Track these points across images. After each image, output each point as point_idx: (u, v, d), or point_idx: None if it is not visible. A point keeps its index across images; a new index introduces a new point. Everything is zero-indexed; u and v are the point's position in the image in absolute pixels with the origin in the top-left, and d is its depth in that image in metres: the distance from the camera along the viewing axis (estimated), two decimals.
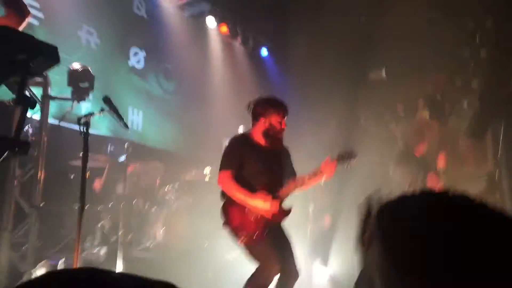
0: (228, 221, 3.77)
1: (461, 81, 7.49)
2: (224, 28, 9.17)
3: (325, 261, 6.77)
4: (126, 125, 3.56)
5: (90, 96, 5.07)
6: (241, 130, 5.95)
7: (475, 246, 0.74)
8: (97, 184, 6.53)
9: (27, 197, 4.86)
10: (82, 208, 3.36)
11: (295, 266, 3.77)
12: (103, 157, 6.45)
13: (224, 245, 5.75)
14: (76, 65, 4.89)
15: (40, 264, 4.75)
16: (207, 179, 7.00)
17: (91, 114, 3.39)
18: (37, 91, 4.99)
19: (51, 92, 5.14)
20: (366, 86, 8.46)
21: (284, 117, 3.93)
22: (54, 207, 5.46)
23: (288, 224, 4.00)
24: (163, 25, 8.33)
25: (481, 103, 7.24)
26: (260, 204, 3.66)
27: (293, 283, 3.75)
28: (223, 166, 3.82)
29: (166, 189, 6.85)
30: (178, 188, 6.82)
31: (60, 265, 4.70)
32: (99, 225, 5.84)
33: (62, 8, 6.59)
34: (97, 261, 5.27)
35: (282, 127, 3.91)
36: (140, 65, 7.98)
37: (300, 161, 4.19)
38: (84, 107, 6.09)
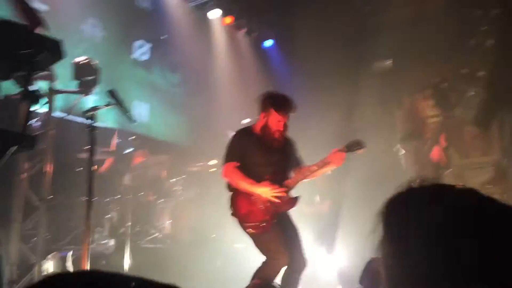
0: (236, 211, 3.80)
1: (467, 70, 7.44)
2: (229, 19, 9.14)
3: (330, 250, 6.79)
4: (132, 118, 3.58)
5: (96, 89, 5.09)
6: (246, 122, 5.95)
7: (481, 244, 0.75)
8: (104, 169, 6.61)
9: (35, 190, 4.91)
10: (90, 201, 3.39)
11: (303, 255, 3.80)
12: (109, 149, 6.50)
13: (231, 235, 5.79)
14: (81, 59, 4.91)
15: (49, 256, 4.82)
16: (213, 170, 7.02)
17: (97, 108, 3.41)
18: (43, 85, 5.02)
19: (57, 85, 5.17)
20: (371, 76, 8.43)
21: (284, 117, 3.86)
22: (62, 200, 5.51)
23: (293, 212, 4.02)
24: (167, 17, 8.31)
25: (487, 92, 7.20)
26: (265, 190, 3.68)
27: (301, 271, 3.78)
28: (226, 158, 3.86)
29: (173, 181, 6.89)
30: (185, 179, 6.86)
31: (69, 257, 4.75)
32: (107, 217, 5.88)
33: (66, 0, 6.60)
34: (106, 253, 5.33)
35: (279, 128, 3.86)
36: (144, 57, 7.99)
37: (304, 151, 4.19)
38: (90, 100, 6.12)
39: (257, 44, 9.84)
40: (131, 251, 5.25)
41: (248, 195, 3.74)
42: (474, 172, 7.36)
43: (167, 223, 6.27)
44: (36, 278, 4.59)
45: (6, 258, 4.02)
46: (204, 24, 8.96)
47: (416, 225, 0.80)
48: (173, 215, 6.33)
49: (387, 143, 7.72)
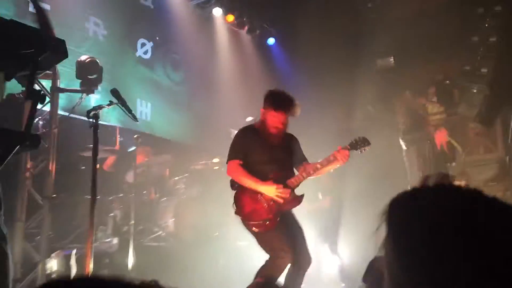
0: (240, 209, 3.79)
1: (470, 67, 7.42)
2: (231, 17, 9.13)
3: (333, 248, 6.79)
4: (135, 117, 3.59)
5: (99, 87, 5.10)
6: (249, 120, 5.96)
7: (483, 245, 0.75)
8: (107, 165, 6.63)
9: (39, 189, 4.93)
10: (93, 199, 3.40)
11: (307, 252, 3.80)
12: (112, 147, 6.52)
13: (234, 233, 5.79)
14: (84, 57, 4.92)
15: (53, 254, 4.83)
16: (216, 168, 7.03)
17: (100, 107, 3.42)
18: (47, 84, 5.04)
19: (60, 84, 5.18)
20: (374, 73, 8.42)
21: (281, 116, 3.83)
22: (66, 198, 5.53)
23: (296, 209, 4.01)
24: (170, 15, 8.31)
25: (490, 88, 7.18)
26: (269, 189, 3.68)
27: (306, 269, 3.77)
28: (230, 156, 3.87)
29: (176, 179, 6.90)
30: (187, 177, 6.87)
31: (73, 255, 4.77)
32: (110, 216, 5.90)
33: None
34: (110, 251, 5.34)
35: (275, 125, 3.83)
36: (147, 56, 7.99)
37: (306, 148, 4.19)
38: (94, 98, 6.13)
39: (259, 42, 9.83)
40: (135, 249, 5.26)
41: (253, 193, 3.74)
42: (477, 169, 7.35)
43: (170, 221, 6.28)
44: (39, 276, 4.61)
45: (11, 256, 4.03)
46: (206, 22, 8.96)
47: (419, 227, 0.80)
48: (176, 213, 6.34)
49: (389, 140, 7.71)
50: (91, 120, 3.37)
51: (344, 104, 8.46)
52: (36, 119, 5.07)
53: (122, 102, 3.50)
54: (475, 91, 7.52)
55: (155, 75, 8.10)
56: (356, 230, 6.58)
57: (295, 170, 4.02)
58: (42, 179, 4.97)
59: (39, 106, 2.37)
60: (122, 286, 0.74)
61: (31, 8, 6.04)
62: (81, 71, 4.87)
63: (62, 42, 2.08)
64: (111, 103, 3.51)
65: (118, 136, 6.82)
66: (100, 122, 3.53)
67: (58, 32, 2.49)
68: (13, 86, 3.00)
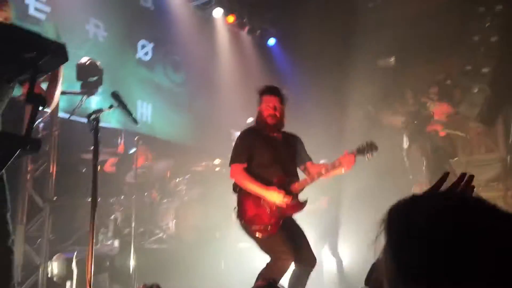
0: (242, 214, 3.75)
1: (471, 67, 7.41)
2: (231, 18, 9.14)
3: (333, 248, 6.78)
4: (135, 120, 3.57)
5: (100, 89, 5.09)
6: (250, 121, 5.95)
7: (482, 253, 0.74)
8: (108, 166, 6.62)
9: (40, 191, 4.92)
10: (94, 202, 3.39)
11: (311, 252, 3.77)
12: (113, 149, 6.51)
13: (236, 234, 5.78)
14: (85, 59, 4.90)
15: (54, 257, 4.83)
16: (217, 169, 7.02)
17: (100, 111, 3.41)
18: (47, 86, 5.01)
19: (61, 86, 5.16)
20: (374, 73, 8.41)
21: (272, 99, 3.85)
22: (67, 201, 5.52)
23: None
24: (170, 16, 8.31)
25: (491, 88, 7.18)
26: (273, 195, 3.66)
27: (310, 269, 3.74)
28: (234, 159, 3.83)
29: (177, 181, 6.90)
30: (188, 179, 6.86)
31: (74, 258, 4.76)
32: (112, 218, 5.89)
33: (68, 1, 6.60)
34: (111, 254, 5.33)
35: (269, 111, 3.83)
36: (147, 57, 7.99)
37: (307, 149, 4.18)
38: (94, 100, 6.12)
39: (260, 43, 9.83)
40: (136, 251, 5.25)
41: (256, 198, 3.71)
42: (478, 169, 7.33)
43: (171, 223, 6.27)
44: (40, 279, 4.60)
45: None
46: (207, 23, 8.96)
47: (419, 237, 0.79)
48: (177, 215, 6.33)
49: (389, 139, 7.70)
50: (91, 123, 3.35)
51: (344, 104, 8.46)
52: (37, 122, 5.06)
53: (122, 105, 3.49)
54: (476, 90, 7.50)
55: (155, 77, 8.10)
56: (357, 230, 6.58)
57: (299, 170, 4.00)
58: (43, 181, 4.96)
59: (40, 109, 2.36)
60: None
61: (31, 11, 6.05)
62: (81, 73, 4.86)
63: (63, 45, 2.07)
64: (111, 106, 3.50)
65: (122, 139, 6.80)
66: (100, 124, 3.52)
67: (58, 35, 2.48)
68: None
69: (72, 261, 4.77)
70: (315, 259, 3.77)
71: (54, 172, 4.96)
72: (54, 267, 4.78)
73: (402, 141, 7.67)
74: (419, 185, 6.96)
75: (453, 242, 0.75)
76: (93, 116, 3.35)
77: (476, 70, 7.36)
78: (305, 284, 3.75)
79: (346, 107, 8.47)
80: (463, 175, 0.94)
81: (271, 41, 10.03)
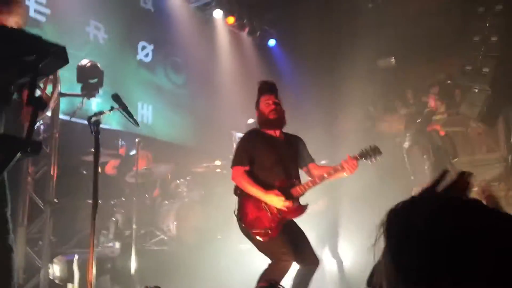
0: (243, 217, 3.74)
1: (471, 67, 7.40)
2: (231, 19, 9.14)
3: (334, 250, 6.76)
4: (136, 122, 3.57)
5: (100, 91, 5.09)
6: (250, 122, 5.95)
7: (482, 254, 0.74)
8: (109, 168, 6.62)
9: (41, 194, 4.92)
10: (95, 203, 3.39)
11: (313, 252, 3.75)
12: (114, 151, 6.51)
13: (237, 235, 5.77)
14: (85, 61, 4.90)
15: (56, 259, 4.82)
16: (218, 170, 7.02)
17: (101, 113, 3.41)
18: (47, 89, 5.01)
19: (61, 88, 5.16)
20: (375, 74, 8.41)
21: (270, 96, 3.91)
22: (68, 203, 5.52)
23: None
24: (170, 18, 8.31)
25: (492, 88, 7.17)
26: (274, 199, 3.65)
27: (314, 271, 3.73)
28: (235, 162, 3.83)
29: (178, 182, 6.89)
30: (189, 180, 6.86)
31: (75, 260, 4.76)
32: (112, 220, 5.89)
33: (68, 3, 6.60)
34: (112, 256, 5.33)
35: (270, 107, 3.86)
36: (148, 59, 8.00)
37: (309, 150, 4.17)
38: (95, 102, 6.12)
39: (260, 44, 9.84)
40: (137, 253, 5.25)
41: (257, 201, 3.70)
42: (479, 169, 7.34)
43: (172, 225, 6.27)
44: (42, 282, 4.60)
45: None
46: (207, 24, 8.97)
47: (418, 240, 0.79)
48: (178, 216, 6.32)
49: (389, 139, 7.70)
50: (92, 125, 3.36)
51: (345, 104, 8.46)
52: (38, 124, 5.06)
53: (123, 107, 3.49)
54: (476, 90, 7.50)
55: (156, 78, 8.10)
56: (359, 231, 6.57)
57: (301, 172, 3.99)
58: (44, 183, 4.96)
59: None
60: None
61: (31, 14, 6.06)
62: (81, 75, 4.86)
63: (63, 48, 2.07)
64: (112, 108, 3.50)
65: (123, 142, 6.80)
66: (101, 126, 3.53)
67: (58, 36, 2.48)
68: None
69: (73, 263, 4.77)
70: (318, 259, 3.76)
71: (55, 174, 4.96)
72: (55, 269, 4.77)
73: (403, 141, 7.68)
74: (421, 186, 6.95)
75: (452, 244, 0.75)
76: (93, 119, 3.35)
77: (476, 70, 7.35)
78: (308, 283, 3.73)
79: (346, 107, 8.47)
80: (461, 174, 0.94)
81: (271, 42, 10.04)
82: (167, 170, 7.01)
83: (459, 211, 0.80)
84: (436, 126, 7.37)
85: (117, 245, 5.49)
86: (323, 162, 4.75)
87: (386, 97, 8.93)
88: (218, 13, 8.94)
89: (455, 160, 7.40)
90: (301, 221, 3.97)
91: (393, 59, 8.76)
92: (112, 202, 6.14)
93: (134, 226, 5.43)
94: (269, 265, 3.66)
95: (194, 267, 5.51)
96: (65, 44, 2.11)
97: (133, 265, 5.18)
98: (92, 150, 3.52)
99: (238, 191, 3.81)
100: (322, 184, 3.78)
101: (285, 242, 3.63)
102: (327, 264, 6.68)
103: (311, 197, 3.97)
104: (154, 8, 8.15)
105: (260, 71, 9.23)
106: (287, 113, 4.01)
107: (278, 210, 3.67)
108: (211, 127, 8.28)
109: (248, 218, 3.71)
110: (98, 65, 4.94)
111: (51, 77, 2.97)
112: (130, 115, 3.52)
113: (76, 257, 4.78)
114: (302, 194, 3.81)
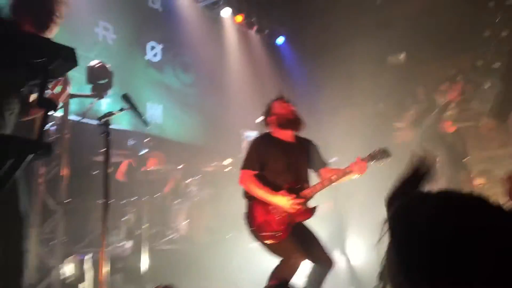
0: (251, 220, 3.74)
1: (482, 62, 7.32)
2: (239, 18, 9.14)
3: (342, 250, 6.73)
4: (146, 122, 3.58)
5: (110, 92, 5.11)
6: (260, 120, 5.94)
7: (482, 253, 0.73)
8: (119, 175, 6.65)
9: (52, 194, 4.96)
10: (106, 203, 3.40)
11: (327, 255, 3.73)
12: (124, 151, 6.54)
13: (247, 234, 5.78)
14: (94, 62, 4.93)
15: (67, 259, 4.86)
16: (228, 169, 7.03)
17: (111, 114, 3.42)
18: (57, 90, 5.05)
19: (71, 89, 5.19)
20: (385, 71, 8.36)
21: (283, 102, 3.97)
22: (79, 203, 5.55)
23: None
24: (179, 17, 8.33)
25: (503, 83, 7.08)
26: (282, 200, 3.64)
27: (327, 271, 3.70)
28: (244, 165, 3.82)
29: (188, 181, 6.91)
30: (200, 179, 6.88)
31: (87, 260, 4.79)
32: (124, 219, 5.92)
33: (77, 4, 6.63)
34: (123, 255, 5.36)
35: (288, 108, 3.92)
36: (157, 59, 8.02)
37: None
38: (105, 102, 6.15)
39: (269, 42, 9.83)
40: (148, 253, 5.27)
41: (265, 204, 3.69)
42: (492, 165, 7.27)
43: (183, 224, 6.29)
44: (54, 281, 4.64)
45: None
46: (215, 23, 8.97)
47: (421, 237, 0.79)
48: (189, 215, 6.35)
49: (401, 137, 7.65)
50: (102, 126, 3.37)
51: (355, 102, 8.42)
52: (48, 125, 5.09)
53: (133, 107, 3.50)
54: (487, 86, 7.41)
55: (165, 78, 8.12)
56: (367, 230, 6.53)
57: (312, 176, 3.97)
58: (55, 184, 4.99)
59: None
60: None
61: None
62: (91, 76, 4.89)
63: (73, 50, 2.08)
64: (122, 109, 3.52)
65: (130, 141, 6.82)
66: (111, 126, 3.54)
67: (67, 38, 2.50)
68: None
69: (85, 263, 4.80)
70: (331, 260, 3.71)
71: (66, 175, 5.00)
72: (67, 269, 4.81)
73: (413, 143, 7.62)
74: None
75: (453, 243, 0.75)
76: (103, 120, 3.37)
77: (487, 65, 7.27)
78: (321, 283, 3.71)
79: (356, 105, 8.43)
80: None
81: (280, 40, 10.02)
82: (177, 170, 7.03)
83: (459, 210, 0.80)
84: (448, 123, 7.30)
85: (129, 244, 5.52)
86: (333, 159, 4.73)
87: (397, 94, 8.87)
88: (226, 12, 8.95)
89: (467, 157, 7.34)
90: (310, 220, 3.95)
91: (403, 56, 8.70)
92: (123, 202, 6.17)
93: (145, 226, 5.45)
94: (280, 263, 3.65)
95: (205, 266, 5.52)
96: (74, 46, 2.13)
97: (144, 264, 5.20)
98: (103, 150, 3.54)
99: (247, 195, 3.81)
100: (332, 186, 3.76)
101: (295, 242, 3.62)
102: (337, 262, 6.66)
103: (319, 198, 3.95)
104: (162, 8, 8.17)
105: (268, 69, 9.22)
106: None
107: (287, 213, 3.66)
108: (220, 126, 8.29)
109: (256, 221, 3.71)
110: (108, 65, 4.97)
111: (61, 78, 2.99)
112: (140, 114, 3.53)
113: (87, 257, 4.82)
114: (311, 196, 3.79)
